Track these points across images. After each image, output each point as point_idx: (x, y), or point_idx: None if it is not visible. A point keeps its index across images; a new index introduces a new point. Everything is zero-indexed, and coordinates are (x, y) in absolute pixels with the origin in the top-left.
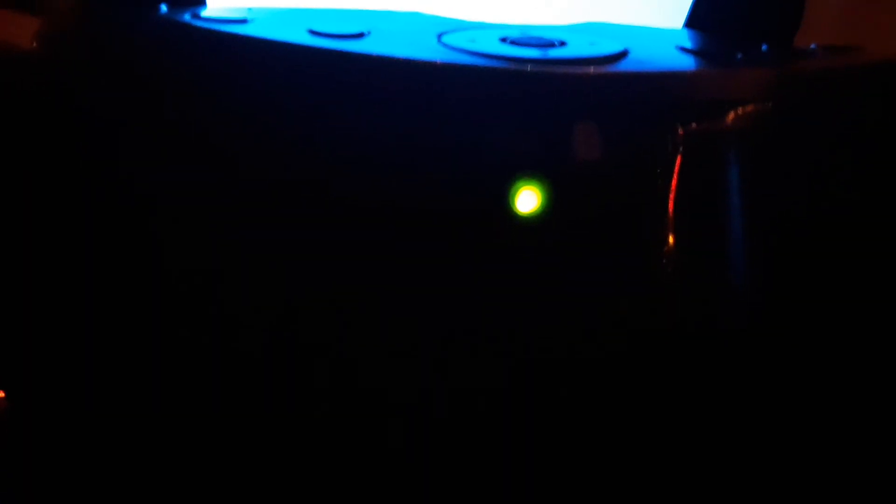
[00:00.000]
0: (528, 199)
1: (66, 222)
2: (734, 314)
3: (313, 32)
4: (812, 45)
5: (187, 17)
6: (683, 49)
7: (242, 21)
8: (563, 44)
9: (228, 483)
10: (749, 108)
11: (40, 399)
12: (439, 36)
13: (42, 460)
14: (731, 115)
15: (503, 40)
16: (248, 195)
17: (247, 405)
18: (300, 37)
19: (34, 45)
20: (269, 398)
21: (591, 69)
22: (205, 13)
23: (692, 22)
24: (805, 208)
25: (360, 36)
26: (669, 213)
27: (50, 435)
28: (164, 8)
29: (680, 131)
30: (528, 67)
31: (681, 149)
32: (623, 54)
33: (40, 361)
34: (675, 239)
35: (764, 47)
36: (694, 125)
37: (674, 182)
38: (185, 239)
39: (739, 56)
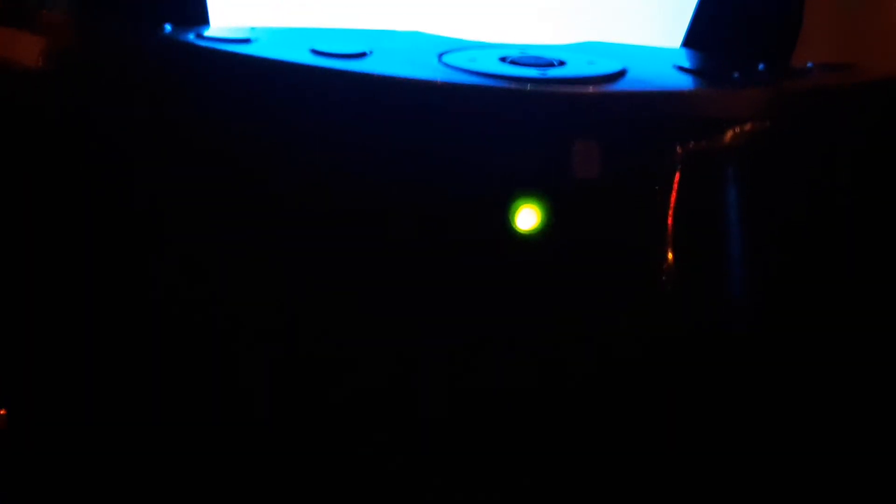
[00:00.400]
0: (528, 217)
1: (70, 239)
2: (733, 328)
3: (316, 52)
4: (808, 64)
5: (191, 36)
6: (681, 68)
7: (245, 41)
8: (562, 63)
9: (230, 491)
10: (746, 126)
11: (41, 415)
12: (440, 55)
13: (43, 476)
14: (729, 134)
15: (503, 59)
16: (250, 212)
17: (248, 413)
18: (303, 56)
19: (38, 63)
20: (271, 408)
21: (590, 88)
22: (208, 33)
23: (690, 41)
24: (802, 224)
25: (361, 55)
26: (668, 231)
27: (50, 450)
28: (168, 28)
29: (678, 150)
30: (528, 87)
31: (679, 167)
32: (621, 73)
33: (41, 377)
34: (674, 256)
35: (761, 66)
36: (692, 143)
37: (672, 199)
38: (188, 256)
39: (736, 75)
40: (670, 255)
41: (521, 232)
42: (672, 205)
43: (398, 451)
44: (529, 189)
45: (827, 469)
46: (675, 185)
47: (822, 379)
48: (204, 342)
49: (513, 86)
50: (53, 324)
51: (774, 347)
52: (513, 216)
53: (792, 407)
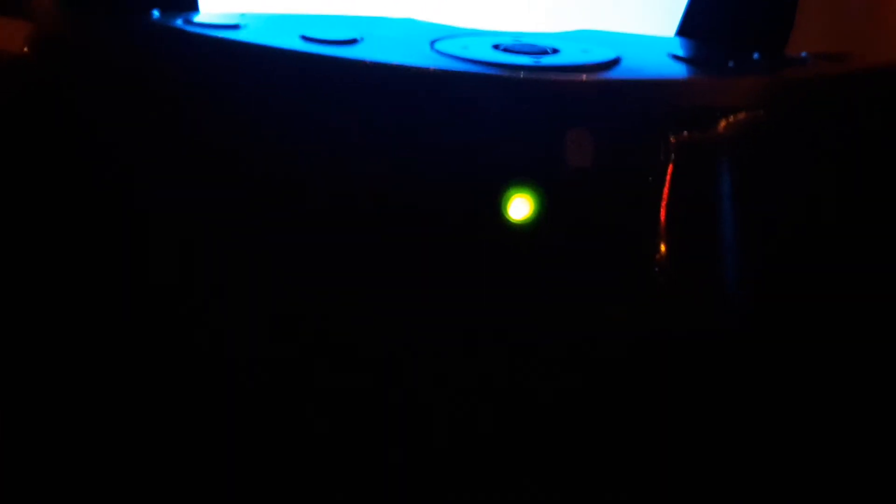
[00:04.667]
0: (520, 206)
1: (60, 227)
2: (726, 319)
3: (306, 38)
4: (803, 53)
5: (179, 22)
6: (675, 57)
7: (235, 27)
8: (555, 51)
9: (229, 491)
10: (741, 115)
11: (37, 413)
12: (432, 42)
13: (39, 475)
14: (723, 123)
15: (496, 47)
16: (238, 199)
17: (247, 411)
18: (293, 43)
19: (25, 50)
20: (269, 406)
21: (584, 76)
22: (197, 19)
23: (684, 30)
24: (797, 214)
25: (352, 42)
26: (661, 220)
27: (47, 449)
28: (156, 13)
29: (672, 138)
30: (521, 74)
31: (673, 156)
32: (615, 62)
33: (38, 375)
34: (667, 245)
35: (755, 55)
36: (686, 132)
37: (666, 188)
38: (178, 242)
39: (731, 64)
40: (664, 245)
41: (514, 221)
42: (666, 194)
43: (393, 444)
44: (522, 178)
45: (825, 467)
46: (669, 174)
47: (819, 373)
48: (197, 335)
49: (506, 73)
50: (46, 318)
51: (770, 340)
52: (505, 205)
53: (789, 402)
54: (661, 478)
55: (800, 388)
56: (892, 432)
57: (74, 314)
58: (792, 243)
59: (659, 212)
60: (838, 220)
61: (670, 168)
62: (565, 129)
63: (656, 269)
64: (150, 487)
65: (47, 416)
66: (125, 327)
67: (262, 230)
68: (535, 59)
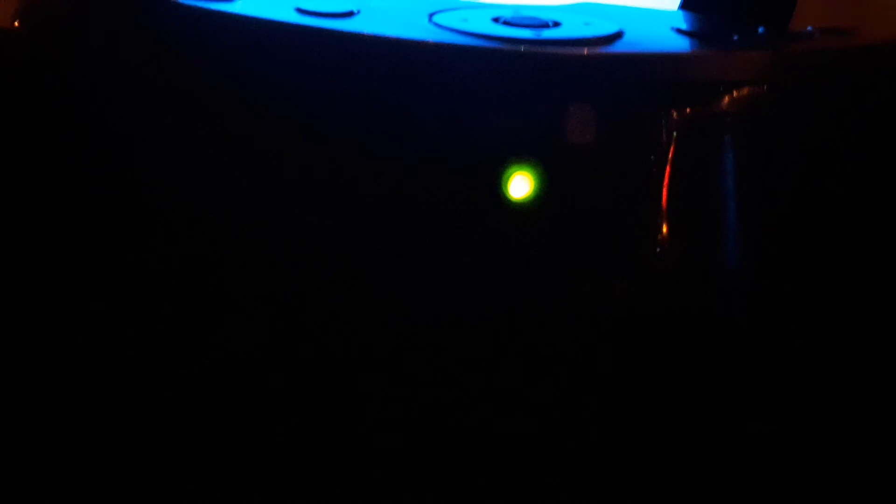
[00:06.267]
0: (520, 184)
1: (56, 207)
2: (728, 300)
3: (301, 11)
4: (808, 28)
5: None
6: (679, 30)
7: None
8: (556, 24)
9: (229, 486)
10: (745, 90)
11: (37, 413)
12: (430, 15)
13: (37, 471)
14: (727, 98)
15: (496, 20)
16: (233, 174)
17: (246, 404)
18: (288, 15)
19: (15, 23)
20: (268, 396)
21: (586, 50)
22: None
23: (687, 3)
24: (801, 192)
25: (349, 14)
26: (664, 197)
27: (45, 445)
28: None
29: (675, 113)
30: (522, 48)
31: (676, 131)
32: (618, 35)
33: (35, 370)
34: (670, 223)
35: (760, 29)
36: (689, 107)
37: (668, 164)
38: (172, 219)
39: (735, 38)
40: (665, 223)
41: (513, 199)
42: (669, 170)
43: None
44: (522, 154)
45: (818, 456)
46: (673, 151)
47: (824, 357)
48: (196, 327)
49: (506, 47)
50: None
51: (771, 322)
52: (505, 182)
53: (789, 387)
54: (656, 464)
55: (801, 372)
56: (893, 419)
57: (71, 303)
58: (797, 221)
59: (661, 188)
60: (843, 197)
61: (673, 143)
62: (566, 104)
63: (658, 246)
64: (149, 487)
65: (47, 416)
66: (119, 316)
67: (256, 205)
68: (536, 33)
